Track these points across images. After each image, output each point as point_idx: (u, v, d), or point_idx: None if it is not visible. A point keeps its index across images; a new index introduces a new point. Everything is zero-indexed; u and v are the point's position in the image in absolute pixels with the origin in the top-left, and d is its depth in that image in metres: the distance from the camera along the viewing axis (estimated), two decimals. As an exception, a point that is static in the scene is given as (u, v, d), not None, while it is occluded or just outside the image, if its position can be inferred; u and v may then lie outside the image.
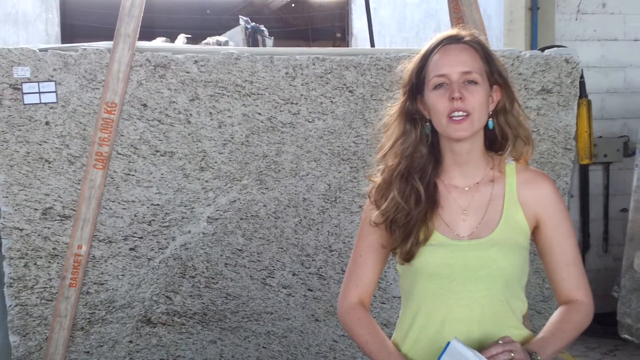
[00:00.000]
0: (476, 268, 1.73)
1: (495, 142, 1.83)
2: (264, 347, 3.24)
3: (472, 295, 1.73)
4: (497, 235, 1.75)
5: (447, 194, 1.80)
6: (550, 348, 1.71)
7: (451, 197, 1.80)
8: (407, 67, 1.84)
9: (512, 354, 1.59)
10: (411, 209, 1.76)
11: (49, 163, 2.93)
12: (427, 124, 1.79)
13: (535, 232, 1.81)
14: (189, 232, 3.09)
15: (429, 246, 1.76)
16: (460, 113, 1.70)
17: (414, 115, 1.80)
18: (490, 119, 1.77)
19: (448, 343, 1.60)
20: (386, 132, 1.87)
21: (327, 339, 3.28)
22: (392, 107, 1.86)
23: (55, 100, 2.93)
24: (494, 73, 1.77)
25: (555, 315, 1.80)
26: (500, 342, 1.62)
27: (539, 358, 1.65)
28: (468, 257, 1.74)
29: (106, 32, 4.04)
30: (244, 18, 6.46)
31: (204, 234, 3.11)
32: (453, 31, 1.80)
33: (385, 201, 1.80)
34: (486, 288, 1.73)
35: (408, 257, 1.77)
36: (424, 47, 1.80)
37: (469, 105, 1.70)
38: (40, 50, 2.93)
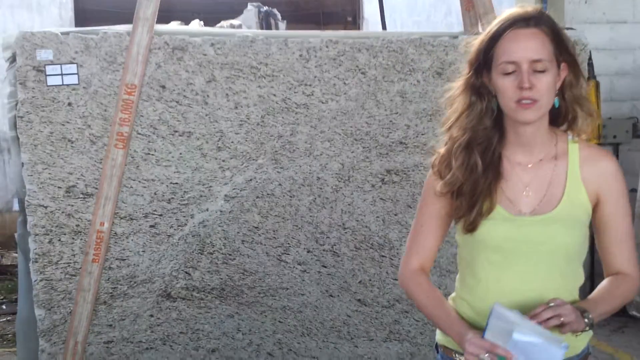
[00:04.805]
0: (538, 243, 1.76)
1: (558, 117, 1.83)
2: (279, 322, 3.34)
3: (533, 269, 1.76)
4: (559, 212, 1.77)
5: (511, 170, 1.82)
6: (599, 309, 1.74)
7: (514, 172, 1.82)
8: (474, 44, 1.82)
9: (562, 319, 1.63)
10: (476, 180, 1.79)
11: (72, 143, 3.03)
12: (494, 98, 1.79)
13: (594, 208, 1.81)
14: (207, 210, 3.19)
15: (491, 220, 1.79)
16: (529, 101, 1.71)
17: (479, 89, 1.81)
18: (557, 97, 1.78)
19: (492, 308, 1.66)
20: (451, 105, 1.87)
21: (340, 313, 3.38)
22: (457, 81, 1.86)
23: (77, 82, 3.02)
24: (563, 53, 1.76)
25: (605, 282, 1.83)
26: (552, 304, 1.66)
27: (590, 316, 1.68)
28: (531, 232, 1.76)
29: (119, 15, 4.13)
30: (254, 3, 6.51)
31: (221, 211, 3.20)
32: (522, 12, 1.76)
33: (449, 171, 1.83)
34: (547, 263, 1.77)
35: (471, 228, 1.80)
36: (493, 27, 1.77)
37: (537, 93, 1.70)
38: (62, 33, 3.02)
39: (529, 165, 1.82)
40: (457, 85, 1.86)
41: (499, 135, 1.82)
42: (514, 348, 1.60)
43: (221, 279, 3.25)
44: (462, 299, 1.89)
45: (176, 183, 3.15)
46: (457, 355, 1.88)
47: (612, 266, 1.84)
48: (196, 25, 5.30)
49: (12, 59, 3.02)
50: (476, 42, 1.82)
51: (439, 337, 1.96)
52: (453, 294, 1.96)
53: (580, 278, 1.85)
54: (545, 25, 1.75)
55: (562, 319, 1.64)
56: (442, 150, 1.88)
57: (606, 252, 1.85)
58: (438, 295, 1.87)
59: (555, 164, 1.81)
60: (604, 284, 1.83)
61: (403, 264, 1.95)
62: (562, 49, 1.76)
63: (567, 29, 4.50)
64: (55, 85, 3.00)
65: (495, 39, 1.75)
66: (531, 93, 1.70)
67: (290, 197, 3.27)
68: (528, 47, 1.71)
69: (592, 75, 5.07)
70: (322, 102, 3.23)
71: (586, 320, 1.68)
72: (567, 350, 1.61)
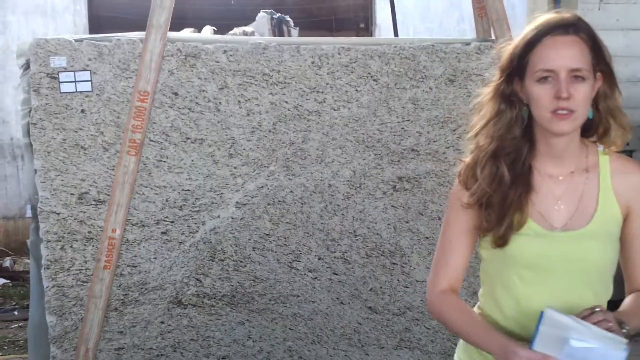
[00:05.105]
0: (572, 260, 1.70)
1: (590, 128, 1.76)
2: (290, 329, 3.33)
3: (567, 287, 1.70)
4: (592, 227, 1.71)
5: (542, 182, 1.74)
6: (632, 323, 1.67)
7: (545, 185, 1.74)
8: (507, 49, 1.75)
9: (609, 324, 1.58)
10: (505, 191, 1.71)
11: (85, 150, 3.04)
12: (525, 107, 1.72)
13: (623, 221, 1.75)
14: (218, 216, 3.19)
15: (524, 235, 1.71)
16: (565, 111, 1.64)
17: (510, 96, 1.73)
18: (591, 108, 1.71)
19: (541, 313, 1.56)
20: (479, 112, 1.80)
21: (351, 321, 3.36)
22: (487, 87, 1.79)
23: (90, 89, 3.03)
24: (600, 63, 1.70)
25: (631, 298, 1.77)
26: (598, 309, 1.61)
27: (627, 327, 1.64)
28: (565, 249, 1.70)
29: (133, 23, 4.13)
30: (267, 10, 6.53)
31: (232, 218, 3.20)
32: (559, 18, 1.68)
33: (475, 181, 1.75)
34: (580, 280, 1.71)
35: (501, 242, 1.72)
36: (529, 33, 1.70)
37: (574, 104, 1.63)
38: (76, 40, 3.04)
39: (560, 178, 1.75)
40: (486, 91, 1.79)
41: (529, 146, 1.75)
42: (568, 357, 1.51)
43: (232, 286, 3.25)
44: (488, 316, 1.83)
45: (188, 190, 3.15)
46: None
47: (637, 281, 1.78)
48: (208, 31, 5.32)
49: (26, 66, 3.04)
50: (509, 47, 1.74)
51: (461, 355, 1.89)
52: (476, 310, 1.89)
53: (609, 292, 1.79)
54: (585, 33, 1.68)
55: (609, 324, 1.58)
56: (468, 159, 1.80)
57: (630, 265, 1.79)
58: (471, 311, 1.80)
59: (587, 177, 1.74)
60: (630, 300, 1.76)
61: (430, 286, 1.83)
62: (600, 58, 1.70)
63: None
64: (69, 92, 3.01)
65: (531, 45, 1.68)
66: (568, 103, 1.63)
67: (302, 204, 3.26)
68: (567, 55, 1.65)
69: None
70: (334, 109, 3.23)
71: (624, 331, 1.63)
72: (628, 353, 1.52)
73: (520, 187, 1.71)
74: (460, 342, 1.92)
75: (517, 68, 1.71)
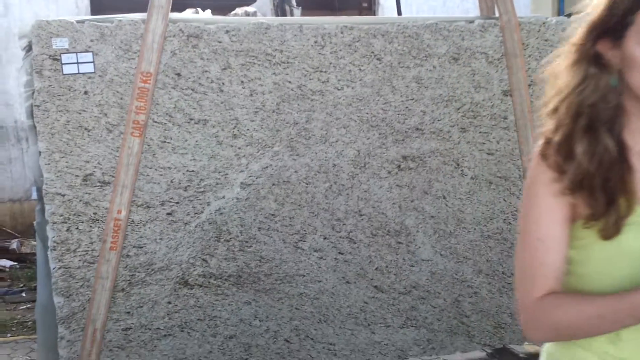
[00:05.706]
0: None
1: None
2: (296, 309, 3.35)
3: None
4: None
5: (637, 161, 1.47)
6: None
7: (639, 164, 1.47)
8: (596, 5, 1.46)
9: None
10: (607, 169, 1.44)
11: (89, 131, 3.04)
12: (614, 74, 1.44)
13: None
14: (223, 197, 3.19)
15: (636, 224, 1.42)
16: None
17: (597, 58, 1.46)
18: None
19: None
20: (554, 80, 1.53)
21: (357, 300, 3.38)
22: (562, 49, 1.52)
23: (93, 71, 3.03)
24: None
25: None
26: None
27: None
28: None
29: (134, 4, 4.12)
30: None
31: (237, 199, 3.21)
32: None
33: (572, 161, 1.45)
34: None
35: (614, 232, 1.42)
36: None
37: None
38: (78, 22, 3.03)
39: None
40: (565, 52, 1.51)
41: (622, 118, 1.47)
42: None
43: (238, 266, 3.26)
44: (585, 339, 1.49)
45: (192, 171, 3.15)
46: None
47: None
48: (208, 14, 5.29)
49: (28, 48, 3.03)
50: (601, 2, 1.44)
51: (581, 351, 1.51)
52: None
53: None
54: None
55: None
56: (555, 136, 1.48)
57: None
58: (588, 295, 1.47)
59: None
60: None
61: (524, 294, 1.49)
62: None
63: (568, 15, 4.44)
64: (71, 74, 3.01)
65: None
66: None
67: (306, 184, 3.26)
68: None
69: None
70: (338, 89, 3.22)
71: None
72: None
73: (621, 166, 1.44)
74: (550, 350, 1.59)
75: (620, 25, 1.42)
